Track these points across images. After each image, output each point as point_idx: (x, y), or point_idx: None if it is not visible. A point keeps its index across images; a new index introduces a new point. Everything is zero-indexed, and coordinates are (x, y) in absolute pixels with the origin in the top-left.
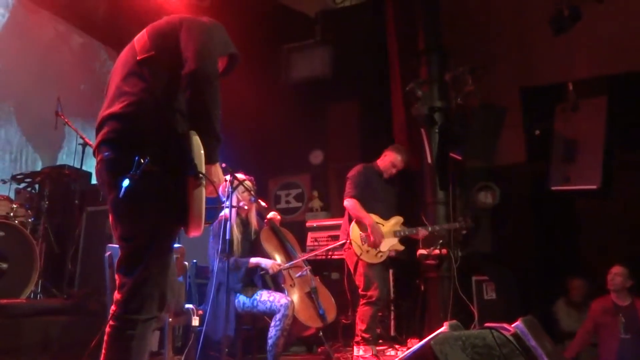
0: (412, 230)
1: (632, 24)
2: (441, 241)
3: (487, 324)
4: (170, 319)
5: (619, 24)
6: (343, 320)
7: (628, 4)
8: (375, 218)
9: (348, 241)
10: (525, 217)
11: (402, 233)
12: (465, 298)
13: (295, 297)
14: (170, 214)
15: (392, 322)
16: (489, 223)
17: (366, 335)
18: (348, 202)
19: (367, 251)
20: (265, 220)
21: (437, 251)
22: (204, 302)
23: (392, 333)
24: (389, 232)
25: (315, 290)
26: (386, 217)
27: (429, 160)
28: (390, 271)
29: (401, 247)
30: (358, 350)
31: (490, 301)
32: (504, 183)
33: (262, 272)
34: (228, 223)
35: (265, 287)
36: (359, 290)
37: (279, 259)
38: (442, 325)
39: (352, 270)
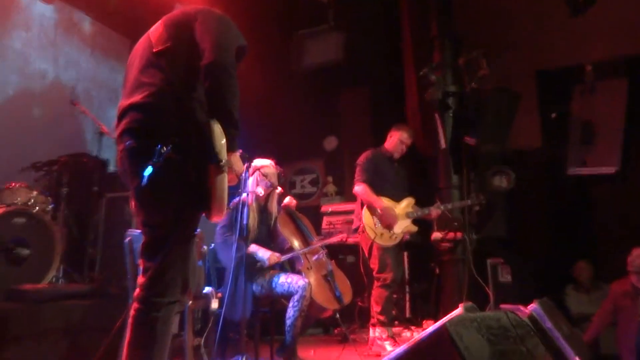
0: (424, 210)
1: None
2: (456, 224)
3: (501, 306)
4: (190, 302)
5: (637, 4)
6: (359, 303)
7: None
8: (386, 201)
9: (361, 225)
10: (541, 201)
11: (414, 214)
12: (480, 280)
13: (312, 279)
14: (192, 200)
15: (408, 304)
16: (504, 207)
17: (381, 317)
18: (358, 188)
19: (381, 234)
20: (282, 206)
21: (451, 234)
22: (223, 286)
23: (408, 315)
24: (402, 214)
25: (331, 273)
26: (398, 200)
27: (443, 145)
28: (405, 254)
29: (415, 228)
30: (374, 332)
31: (506, 284)
32: (519, 167)
33: (258, 265)
34: (245, 207)
35: (283, 270)
36: (374, 272)
37: (296, 243)
38: (457, 307)
39: (367, 254)
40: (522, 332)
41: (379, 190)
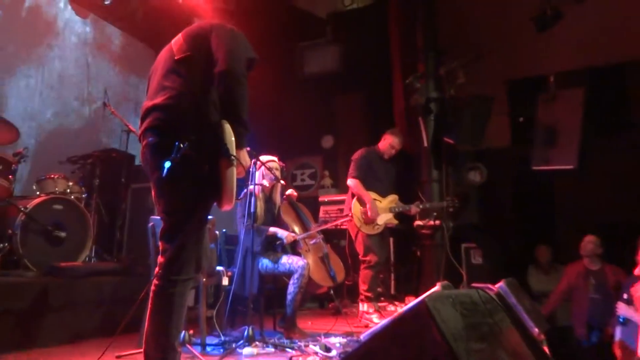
0: (405, 206)
1: (607, 23)
2: (435, 214)
3: (473, 285)
4: (204, 279)
5: (596, 23)
6: (347, 282)
7: (604, 4)
8: (373, 196)
9: (350, 214)
10: (509, 193)
11: (396, 209)
12: (455, 262)
13: (310, 260)
14: (205, 191)
15: (392, 283)
16: (477, 198)
17: (368, 294)
18: (351, 182)
19: (366, 224)
20: (284, 196)
21: (431, 222)
22: (233, 265)
23: (392, 292)
24: (385, 208)
25: (327, 255)
26: (384, 195)
27: (425, 144)
28: (391, 239)
29: (395, 222)
30: (363, 306)
31: (477, 265)
32: (491, 164)
33: (277, 242)
34: (253, 197)
35: (284, 252)
36: (359, 256)
37: (296, 229)
38: (435, 285)
39: (353, 239)
40: (491, 307)
41: (368, 185)
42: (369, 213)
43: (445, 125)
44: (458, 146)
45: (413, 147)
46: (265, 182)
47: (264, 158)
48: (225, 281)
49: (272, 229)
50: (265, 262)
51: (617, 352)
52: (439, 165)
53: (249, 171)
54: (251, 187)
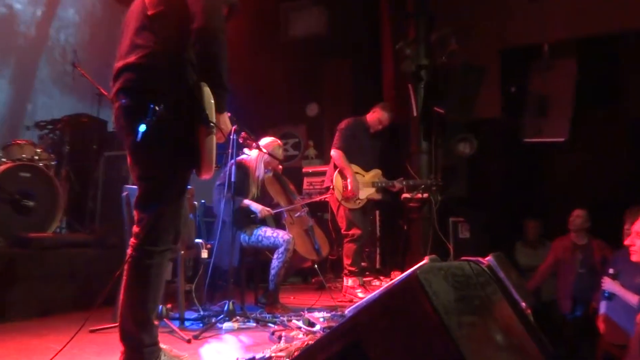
0: (389, 182)
1: None
2: (423, 186)
3: (464, 258)
4: (183, 252)
5: None
6: (330, 257)
7: None
8: (356, 169)
9: (331, 187)
10: (499, 166)
11: (379, 184)
12: (442, 237)
13: (295, 233)
14: (182, 157)
15: (378, 257)
16: (466, 171)
17: (352, 268)
18: (334, 153)
19: (347, 198)
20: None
21: (419, 195)
22: (212, 238)
23: (378, 266)
24: (368, 182)
25: (311, 228)
26: (367, 169)
27: (415, 113)
28: (377, 212)
29: (378, 196)
30: (347, 281)
31: (464, 240)
32: (481, 135)
33: (252, 215)
34: (234, 167)
35: (264, 224)
36: (342, 230)
37: (280, 201)
38: (422, 260)
39: (335, 213)
40: (483, 279)
41: (352, 158)
42: (349, 188)
43: (435, 94)
44: (448, 116)
45: (402, 117)
46: (269, 173)
47: (264, 142)
48: (204, 254)
49: (246, 201)
50: (247, 235)
51: (601, 325)
52: (428, 136)
53: (230, 138)
54: (233, 160)
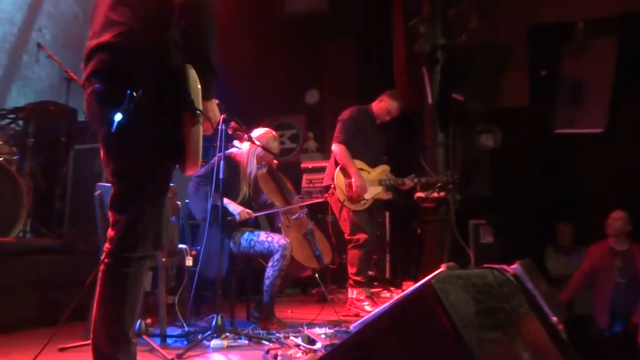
0: (398, 180)
1: None
2: (439, 184)
3: (486, 265)
4: (164, 259)
5: None
6: (331, 266)
7: None
8: (361, 165)
9: (332, 186)
10: (527, 161)
11: (387, 182)
12: (462, 241)
13: (292, 237)
14: (165, 150)
15: (388, 265)
16: (489, 166)
17: (358, 278)
18: (336, 148)
19: (351, 197)
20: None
21: (435, 194)
22: (197, 243)
23: (387, 276)
24: (374, 180)
25: (311, 232)
26: (373, 165)
27: (430, 101)
28: (387, 214)
29: (385, 196)
30: (352, 293)
31: (487, 245)
32: (506, 126)
33: (229, 217)
34: (222, 162)
35: (258, 226)
36: (345, 235)
37: (276, 201)
38: (438, 268)
39: (337, 215)
40: (508, 290)
41: (356, 153)
42: (354, 187)
43: (453, 78)
44: (468, 104)
45: (415, 105)
46: (263, 169)
47: (256, 133)
48: (189, 261)
49: (224, 201)
50: (238, 240)
51: None
52: (446, 127)
53: (218, 128)
54: (235, 150)
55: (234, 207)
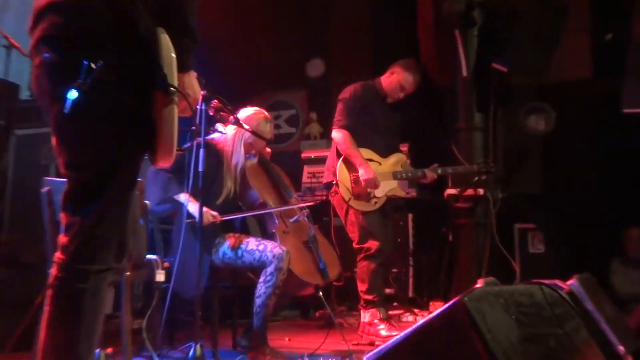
0: (416, 172)
1: None
2: (476, 178)
3: (534, 281)
4: (129, 273)
5: None
6: (335, 283)
7: None
8: (369, 155)
9: (335, 182)
10: (588, 149)
11: (403, 175)
12: (504, 251)
13: (290, 246)
14: (131, 136)
15: (411, 281)
16: (539, 156)
17: (369, 297)
18: (337, 134)
19: (359, 195)
20: (252, 153)
21: (470, 191)
22: (171, 252)
23: (411, 294)
24: (387, 174)
25: (314, 239)
26: (385, 154)
27: (464, 73)
28: (410, 216)
29: (401, 193)
30: (364, 316)
31: (537, 255)
32: (562, 104)
33: (189, 220)
34: (202, 151)
35: (245, 231)
36: (354, 243)
37: (269, 199)
38: (474, 284)
39: (342, 219)
40: (561, 311)
41: (363, 140)
42: (362, 182)
43: (494, 44)
44: (513, 77)
45: (445, 78)
46: (252, 159)
47: (244, 114)
48: (160, 276)
49: (182, 197)
50: (222, 249)
51: None
52: (484, 106)
53: (198, 108)
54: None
55: (194, 208)
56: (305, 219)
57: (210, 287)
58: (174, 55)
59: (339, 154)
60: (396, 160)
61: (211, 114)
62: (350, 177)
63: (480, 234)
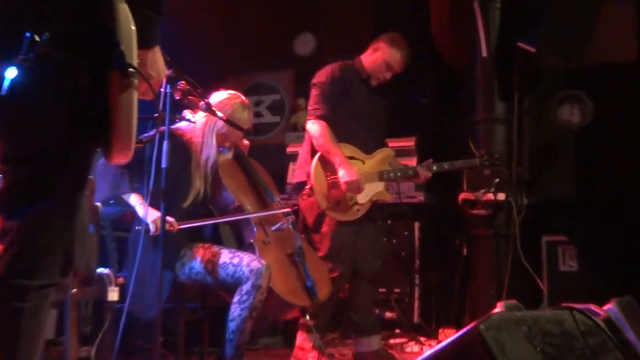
0: (406, 170)
1: None
2: (497, 180)
3: (565, 305)
4: (75, 290)
5: None
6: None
7: None
8: (351, 151)
9: (309, 186)
10: (631, 147)
11: (391, 175)
12: (529, 268)
13: (271, 259)
14: (82, 124)
15: (417, 303)
16: (573, 154)
17: (304, 319)
18: (312, 126)
19: (338, 202)
20: (226, 146)
21: (490, 196)
22: (126, 266)
23: (416, 319)
24: (372, 174)
25: (300, 251)
26: (369, 150)
27: (484, 53)
28: (416, 225)
29: (389, 197)
30: (298, 338)
31: (568, 274)
32: (601, 92)
33: (137, 227)
34: (164, 144)
35: (218, 242)
36: (319, 253)
37: (246, 203)
38: (493, 308)
39: (309, 225)
40: (595, 342)
41: (343, 132)
42: (342, 185)
43: (520, 19)
44: (543, 58)
45: (461, 60)
46: (226, 153)
47: (217, 99)
48: (113, 294)
49: (132, 198)
50: (188, 263)
51: None
52: (508, 93)
53: (162, 91)
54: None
55: (151, 216)
56: (291, 226)
57: (174, 308)
58: (134, 28)
59: (313, 151)
60: (382, 158)
61: (177, 98)
62: (327, 179)
63: (501, 248)
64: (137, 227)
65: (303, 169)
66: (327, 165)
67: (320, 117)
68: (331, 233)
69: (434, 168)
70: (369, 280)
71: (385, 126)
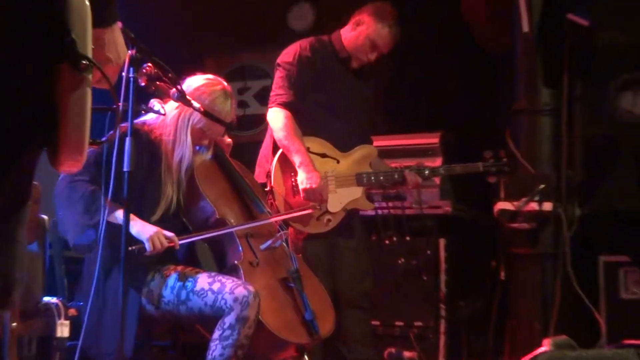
0: (391, 173)
1: None
2: (542, 186)
3: (627, 342)
4: (15, 324)
5: None
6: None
7: None
8: (323, 148)
9: (269, 187)
10: None
11: (372, 178)
12: (584, 296)
13: (261, 285)
14: (22, 126)
15: (442, 339)
16: (637, 154)
17: None
18: (273, 115)
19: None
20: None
21: (533, 205)
22: (80, 293)
23: (442, 357)
24: (348, 176)
25: (297, 276)
26: (346, 147)
27: (525, 28)
28: (442, 242)
29: (368, 206)
30: None
31: (632, 302)
32: None
33: (131, 248)
34: (127, 140)
35: (195, 264)
36: None
37: (229, 214)
38: (539, 346)
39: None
40: None
41: (312, 124)
42: (301, 190)
43: None
44: (598, 34)
45: (497, 37)
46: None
47: (192, 85)
48: (62, 330)
49: (118, 215)
50: (158, 290)
51: None
52: (556, 77)
53: (123, 76)
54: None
55: (139, 228)
56: (284, 244)
57: (140, 347)
58: (87, 3)
59: (275, 147)
60: (362, 157)
61: (143, 84)
62: (290, 181)
63: (548, 270)
64: (131, 248)
65: (263, 167)
66: (289, 165)
67: (282, 105)
68: (295, 246)
69: (427, 173)
70: (357, 306)
71: (367, 118)
